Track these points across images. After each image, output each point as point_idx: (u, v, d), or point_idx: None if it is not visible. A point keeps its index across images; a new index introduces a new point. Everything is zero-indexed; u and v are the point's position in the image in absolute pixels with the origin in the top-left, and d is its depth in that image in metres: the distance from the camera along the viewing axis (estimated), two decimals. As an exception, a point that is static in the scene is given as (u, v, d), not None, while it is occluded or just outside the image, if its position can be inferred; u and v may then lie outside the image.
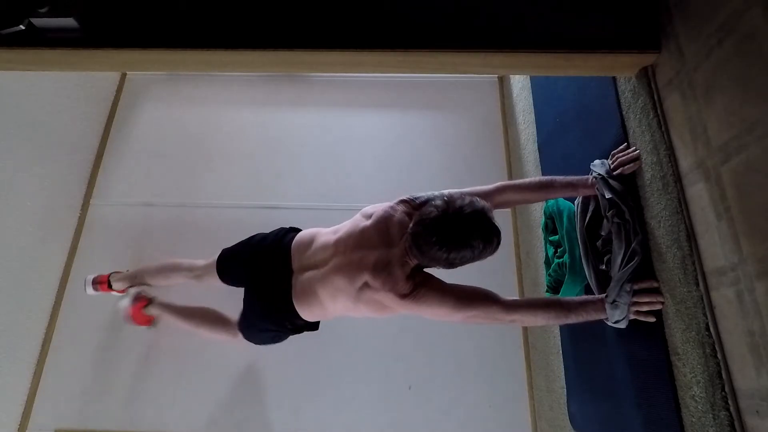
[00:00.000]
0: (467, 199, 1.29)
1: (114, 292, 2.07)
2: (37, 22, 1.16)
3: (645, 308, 1.22)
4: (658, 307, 1.20)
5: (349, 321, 2.08)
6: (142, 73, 2.70)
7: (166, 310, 1.97)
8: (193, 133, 2.57)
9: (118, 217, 2.37)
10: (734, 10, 0.92)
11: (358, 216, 1.52)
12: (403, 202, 1.46)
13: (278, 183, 2.45)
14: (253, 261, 1.66)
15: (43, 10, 1.15)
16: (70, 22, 1.16)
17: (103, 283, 2.06)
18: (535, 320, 1.33)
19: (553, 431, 1.84)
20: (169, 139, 2.55)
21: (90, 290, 2.06)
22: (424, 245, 1.28)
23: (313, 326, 1.67)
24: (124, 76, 2.70)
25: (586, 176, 1.41)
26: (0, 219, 1.92)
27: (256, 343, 1.75)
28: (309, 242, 1.57)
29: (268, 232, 1.72)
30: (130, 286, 2.09)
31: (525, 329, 2.18)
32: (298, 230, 1.69)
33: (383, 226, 1.42)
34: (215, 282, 1.80)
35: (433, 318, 1.39)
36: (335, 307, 1.51)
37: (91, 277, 2.07)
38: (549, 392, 1.89)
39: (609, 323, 1.28)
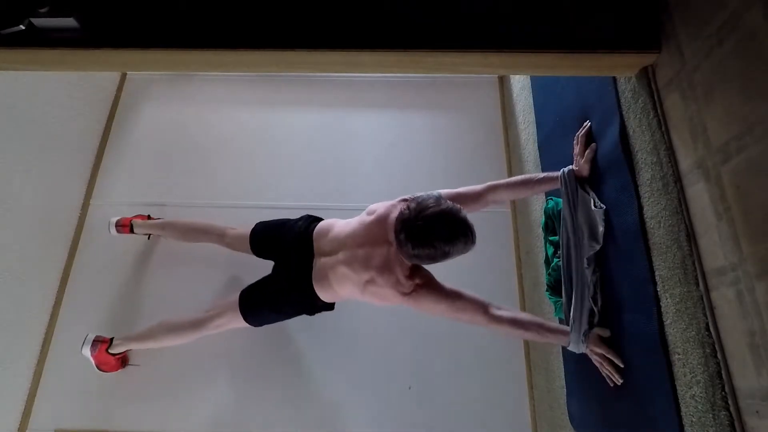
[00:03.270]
0: (434, 202, 1.39)
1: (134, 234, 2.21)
2: (37, 22, 1.16)
3: (605, 372, 1.39)
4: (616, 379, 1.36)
5: (348, 322, 2.08)
6: (142, 73, 2.70)
7: (130, 341, 1.94)
8: (193, 132, 2.57)
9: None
10: (734, 10, 0.92)
11: (364, 213, 1.65)
12: (403, 200, 1.54)
13: (278, 183, 2.44)
14: (283, 246, 1.78)
15: (43, 10, 1.15)
16: (70, 22, 1.16)
17: (125, 226, 2.19)
18: (514, 335, 1.56)
19: (553, 431, 1.84)
20: (169, 139, 2.55)
21: (113, 231, 2.19)
22: (399, 242, 1.42)
23: (329, 307, 1.76)
24: (124, 76, 2.70)
25: (557, 172, 1.54)
26: (0, 219, 1.92)
27: (256, 324, 1.82)
28: (327, 231, 1.71)
29: (296, 218, 1.86)
30: (148, 235, 2.24)
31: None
32: (320, 219, 1.82)
33: (383, 223, 1.53)
34: (244, 251, 1.92)
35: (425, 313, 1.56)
36: (344, 292, 1.64)
37: (114, 219, 2.20)
38: (549, 392, 1.89)
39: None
